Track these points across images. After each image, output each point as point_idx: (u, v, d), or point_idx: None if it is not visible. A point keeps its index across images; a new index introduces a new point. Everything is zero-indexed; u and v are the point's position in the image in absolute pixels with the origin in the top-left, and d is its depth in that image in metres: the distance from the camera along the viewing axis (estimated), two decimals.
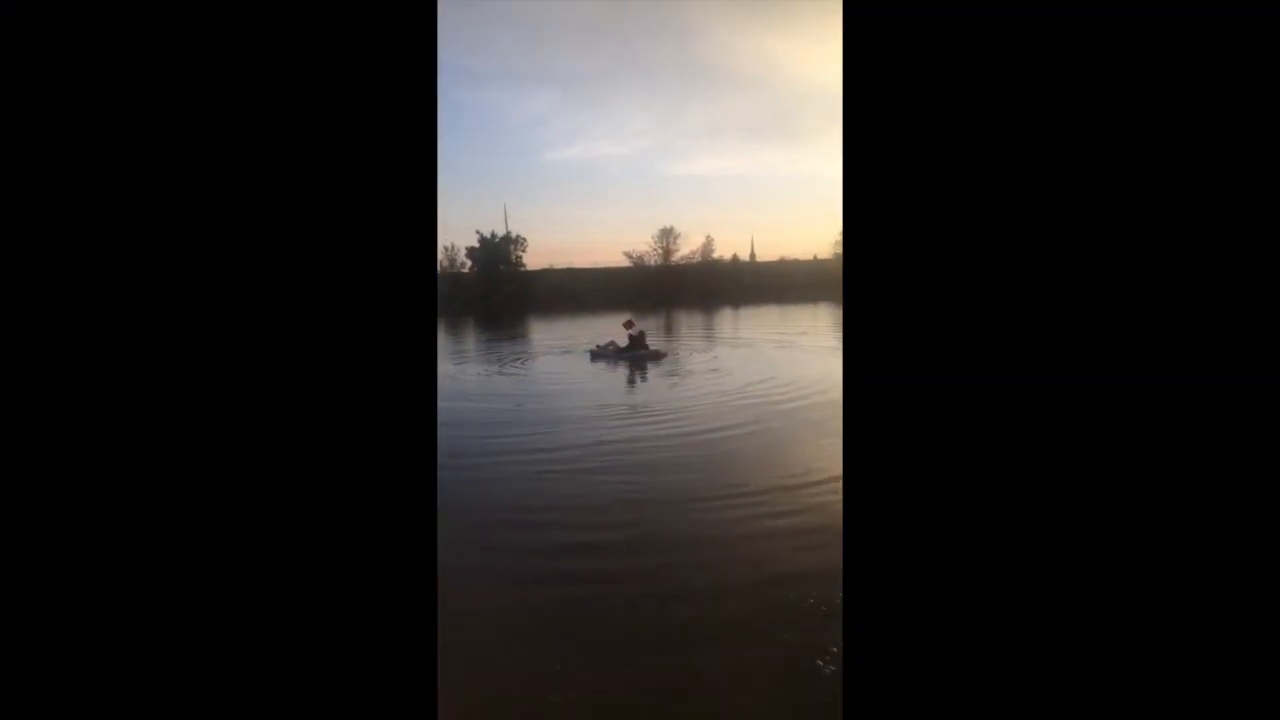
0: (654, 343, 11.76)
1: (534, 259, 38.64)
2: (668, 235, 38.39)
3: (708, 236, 40.23)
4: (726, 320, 19.79)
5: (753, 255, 43.47)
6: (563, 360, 11.31)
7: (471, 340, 15.56)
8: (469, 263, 36.52)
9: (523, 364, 11.15)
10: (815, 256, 40.44)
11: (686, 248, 38.44)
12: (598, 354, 11.14)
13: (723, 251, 40.91)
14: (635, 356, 10.67)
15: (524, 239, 38.84)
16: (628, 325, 11.99)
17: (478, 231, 36.90)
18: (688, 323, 19.18)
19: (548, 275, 37.14)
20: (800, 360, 10.01)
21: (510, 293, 31.11)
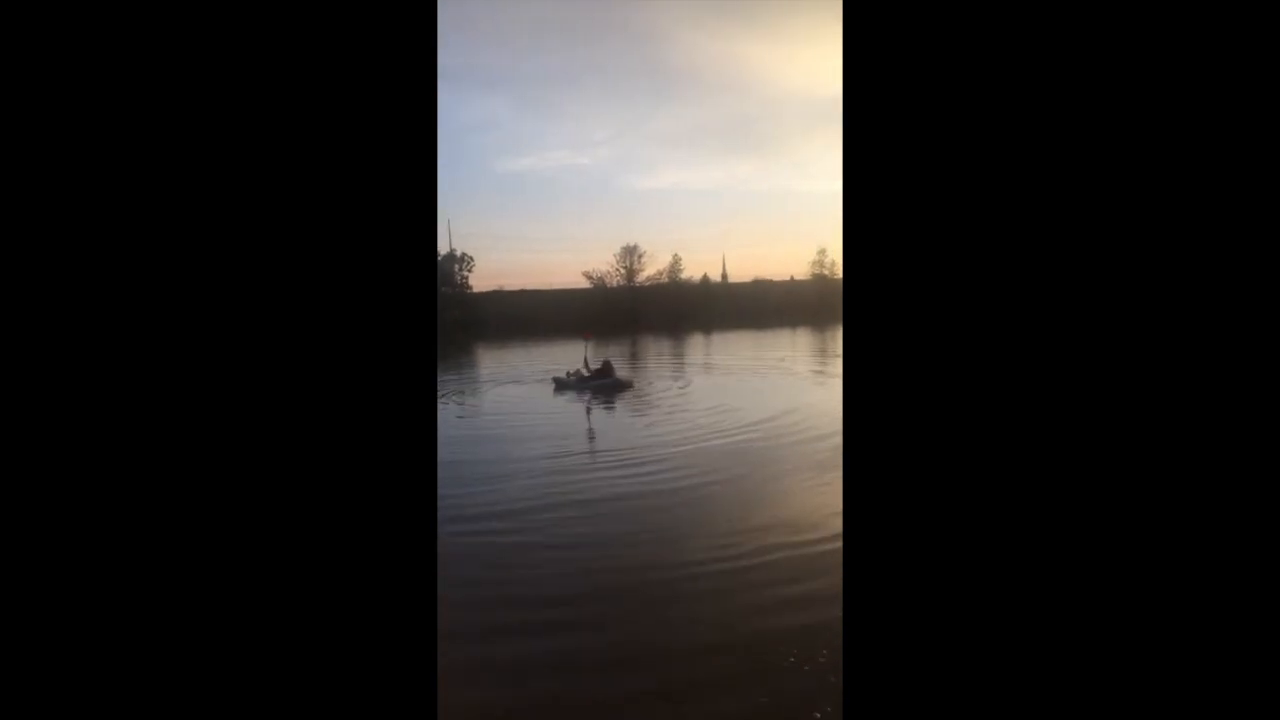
0: (620, 372, 11.43)
1: (482, 280, 38.13)
2: (631, 254, 38.52)
3: (675, 255, 40.57)
4: (698, 347, 19.57)
5: (724, 275, 43.95)
6: (517, 394, 10.79)
7: None
8: None
9: (467, 400, 10.55)
10: (792, 277, 41.12)
11: (652, 267, 38.58)
12: (562, 384, 10.87)
13: (692, 271, 41.24)
14: (602, 385, 10.38)
15: (471, 258, 38.39)
16: (586, 337, 12.53)
17: None
18: (655, 350, 18.88)
19: (498, 298, 36.58)
20: (783, 390, 9.73)
21: (456, 318, 30.28)
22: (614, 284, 37.45)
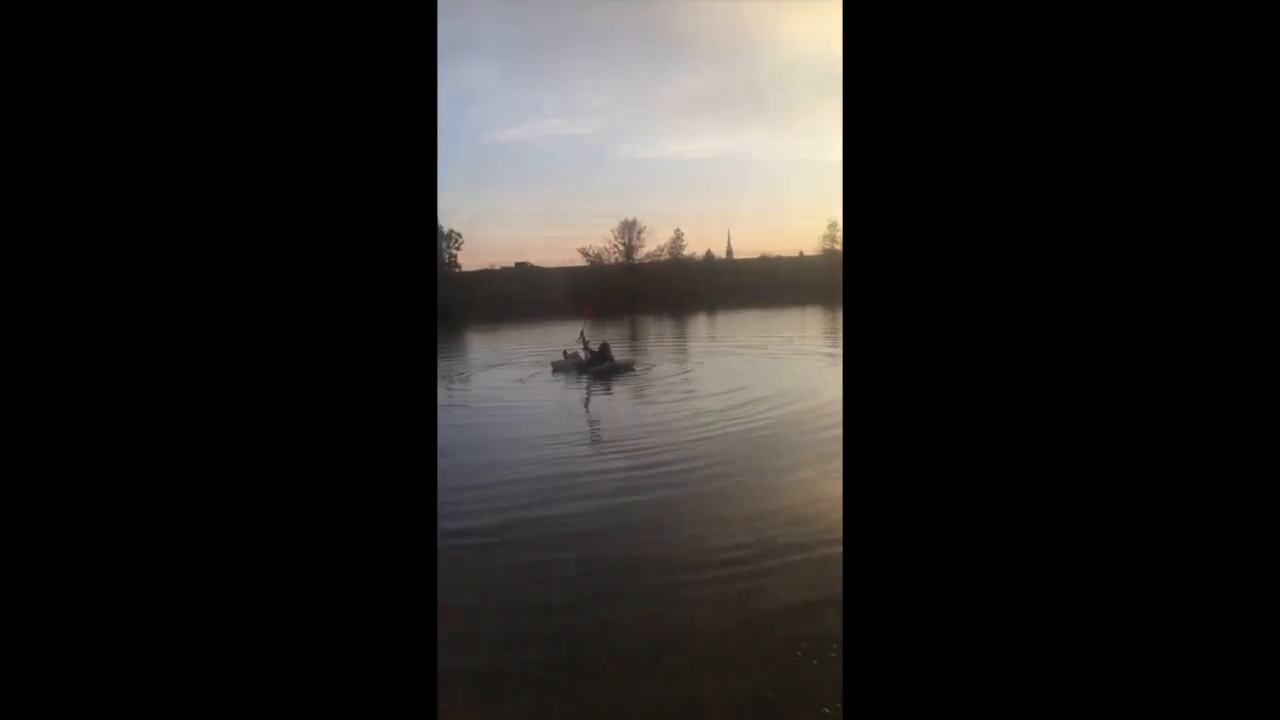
0: (620, 355, 11.32)
1: (471, 258, 37.88)
2: (630, 229, 38.20)
3: (677, 230, 40.26)
4: (702, 327, 19.42)
5: (729, 251, 43.69)
6: (512, 379, 10.65)
7: None
8: None
9: (455, 387, 10.41)
10: (801, 253, 40.85)
11: (653, 243, 38.27)
12: (560, 367, 10.78)
13: (695, 248, 40.94)
14: (601, 370, 10.28)
15: (459, 235, 38.13)
16: (588, 315, 12.51)
17: None
18: (656, 331, 18.73)
19: (489, 277, 36.35)
20: (797, 375, 9.59)
21: (445, 298, 30.07)
22: (612, 261, 37.19)
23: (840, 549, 3.33)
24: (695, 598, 2.98)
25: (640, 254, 37.57)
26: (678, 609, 2.90)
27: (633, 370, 10.58)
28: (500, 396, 9.09)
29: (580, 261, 37.46)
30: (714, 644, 2.59)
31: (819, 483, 4.59)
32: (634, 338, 16.60)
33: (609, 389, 9.18)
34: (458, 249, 37.21)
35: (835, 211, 43.71)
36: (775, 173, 63.02)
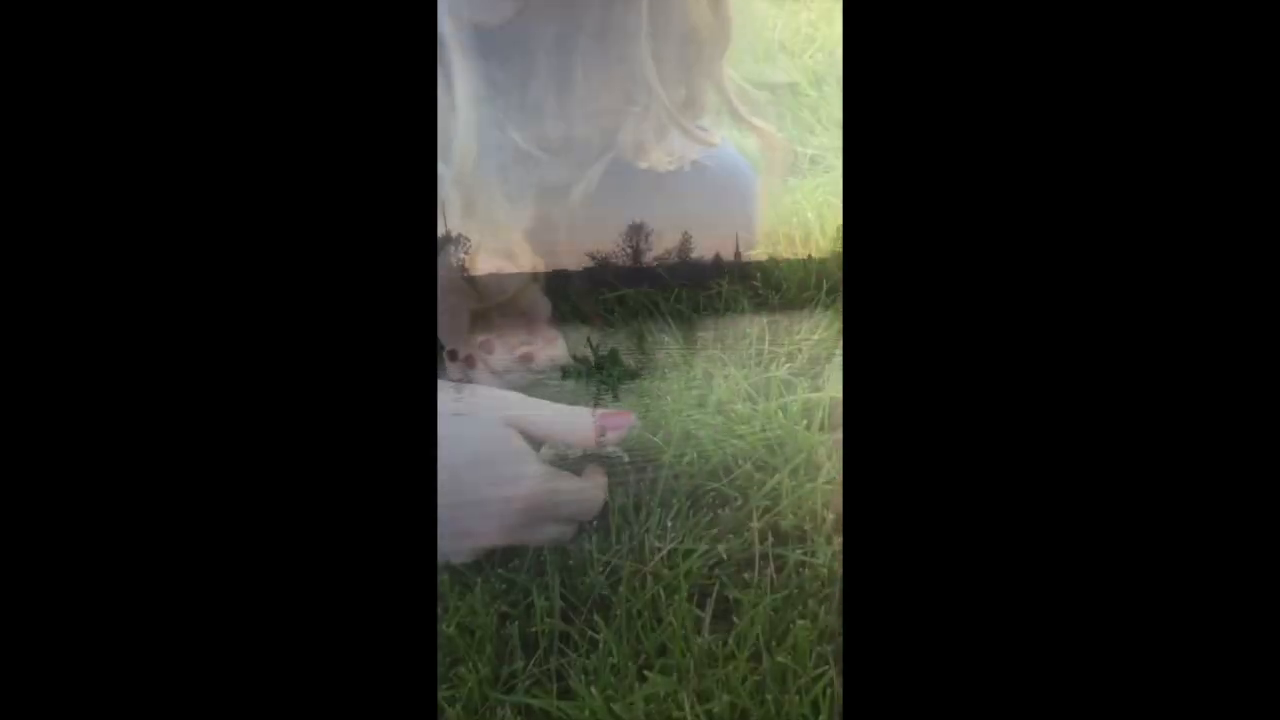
0: (627, 359, 11.41)
1: (479, 262, 38.09)
2: (638, 232, 38.22)
3: (685, 233, 40.13)
4: (710, 330, 19.47)
5: (738, 254, 43.69)
6: (518, 385, 10.73)
7: None
8: None
9: (455, 395, 10.50)
10: (810, 255, 40.87)
11: (660, 246, 38.39)
12: (566, 372, 10.84)
13: (703, 250, 40.91)
14: (609, 376, 10.35)
15: (467, 239, 38.32)
16: (594, 321, 12.15)
17: None
18: (665, 336, 18.80)
19: (499, 280, 36.53)
20: (804, 378, 9.61)
21: (450, 303, 30.39)
22: (620, 264, 37.48)
23: (828, 566, 3.35)
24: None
25: (648, 257, 37.88)
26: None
27: (640, 377, 10.65)
28: (501, 404, 9.16)
29: (588, 264, 37.88)
30: (698, 663, 2.59)
31: (810, 499, 4.60)
32: (642, 342, 16.71)
33: (616, 396, 9.23)
34: (465, 253, 37.65)
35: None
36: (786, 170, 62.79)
